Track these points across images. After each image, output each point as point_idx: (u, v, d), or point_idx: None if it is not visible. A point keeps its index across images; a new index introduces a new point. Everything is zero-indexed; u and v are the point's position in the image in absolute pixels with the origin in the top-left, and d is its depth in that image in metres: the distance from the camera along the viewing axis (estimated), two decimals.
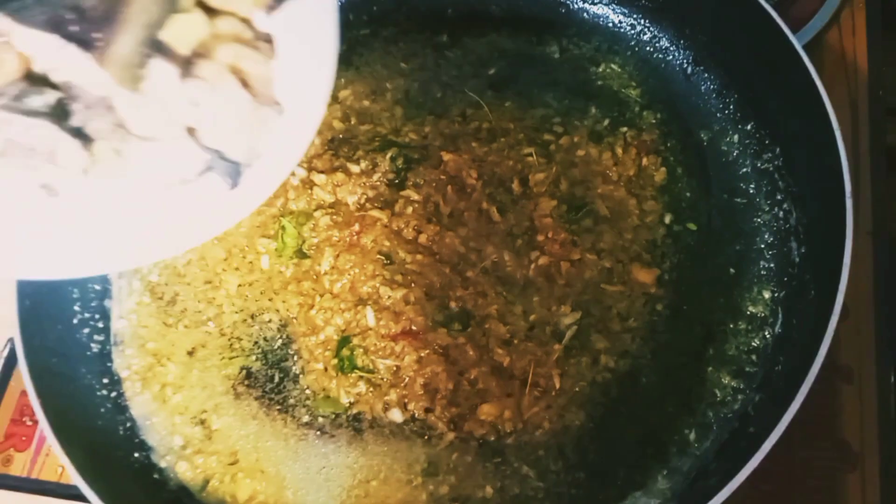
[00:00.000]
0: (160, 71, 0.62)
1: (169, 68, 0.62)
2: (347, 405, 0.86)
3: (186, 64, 0.63)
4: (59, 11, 0.59)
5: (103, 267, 0.71)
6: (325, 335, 0.88)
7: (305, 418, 0.86)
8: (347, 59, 1.04)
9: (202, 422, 0.86)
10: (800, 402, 0.70)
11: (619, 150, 0.96)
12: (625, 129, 0.98)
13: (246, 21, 0.66)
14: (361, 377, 0.86)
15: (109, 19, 0.60)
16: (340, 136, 0.98)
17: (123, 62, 0.61)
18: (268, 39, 0.68)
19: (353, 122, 0.99)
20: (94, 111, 0.63)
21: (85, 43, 0.60)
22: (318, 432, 0.85)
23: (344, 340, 0.87)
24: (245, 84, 0.66)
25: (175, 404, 0.87)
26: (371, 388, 0.85)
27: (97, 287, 0.91)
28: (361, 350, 0.86)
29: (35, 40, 0.60)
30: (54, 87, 0.62)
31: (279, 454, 0.84)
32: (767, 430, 0.69)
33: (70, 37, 0.60)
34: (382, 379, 0.85)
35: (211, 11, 0.64)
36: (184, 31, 0.63)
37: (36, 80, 0.62)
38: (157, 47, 0.62)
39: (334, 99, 1.01)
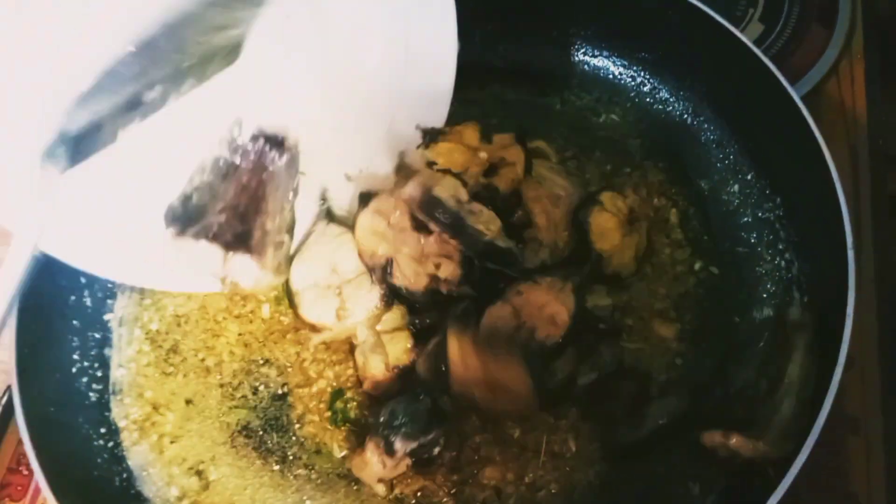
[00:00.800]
0: None
1: None
2: (342, 458, 0.84)
3: None
4: None
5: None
6: (317, 387, 0.87)
7: (302, 470, 0.84)
8: None
9: (199, 472, 0.85)
10: (806, 453, 0.69)
11: None
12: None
13: None
14: (353, 431, 0.84)
15: None
16: None
17: None
18: None
19: None
20: None
21: None
22: (316, 484, 0.83)
23: (337, 393, 0.86)
24: None
25: (172, 455, 0.86)
26: None
27: (97, 335, 0.91)
28: (355, 403, 0.85)
29: None
30: None
31: None
32: (774, 483, 0.68)
33: None
34: None
35: None
36: None
37: None
38: None
39: None
